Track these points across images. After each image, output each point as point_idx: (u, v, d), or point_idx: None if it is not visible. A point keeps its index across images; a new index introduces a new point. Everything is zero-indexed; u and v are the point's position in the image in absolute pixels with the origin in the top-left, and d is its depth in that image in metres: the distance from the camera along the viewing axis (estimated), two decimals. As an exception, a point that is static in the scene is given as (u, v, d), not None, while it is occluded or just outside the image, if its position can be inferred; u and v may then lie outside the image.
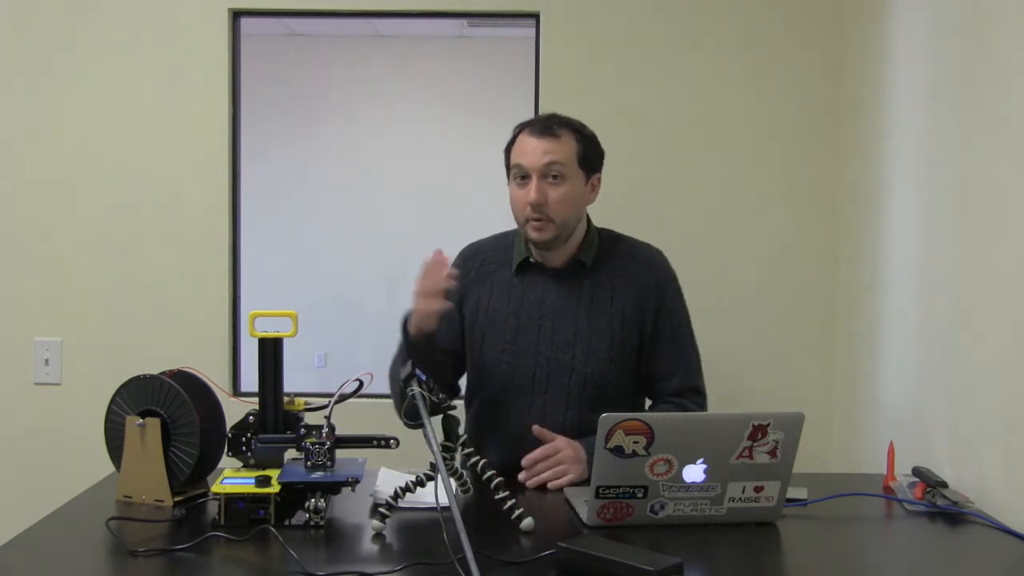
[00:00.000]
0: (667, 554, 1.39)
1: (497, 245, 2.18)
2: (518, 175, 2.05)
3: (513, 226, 2.15)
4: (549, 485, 1.86)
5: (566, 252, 2.10)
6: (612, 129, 2.68)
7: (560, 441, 1.93)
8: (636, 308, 2.08)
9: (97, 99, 2.79)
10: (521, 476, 1.89)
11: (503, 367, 2.07)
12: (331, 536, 1.56)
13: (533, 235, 2.04)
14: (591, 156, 2.09)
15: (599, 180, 2.12)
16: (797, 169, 2.78)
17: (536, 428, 1.95)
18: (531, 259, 2.11)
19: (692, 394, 2.10)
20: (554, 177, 2.02)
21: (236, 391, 2.84)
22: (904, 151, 2.33)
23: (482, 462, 1.62)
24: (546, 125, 2.05)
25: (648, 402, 2.17)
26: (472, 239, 2.24)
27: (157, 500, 1.68)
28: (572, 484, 1.86)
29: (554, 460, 1.90)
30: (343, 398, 1.66)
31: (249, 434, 1.69)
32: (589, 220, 2.15)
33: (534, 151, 2.02)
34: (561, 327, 2.06)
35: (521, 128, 2.09)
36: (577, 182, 2.05)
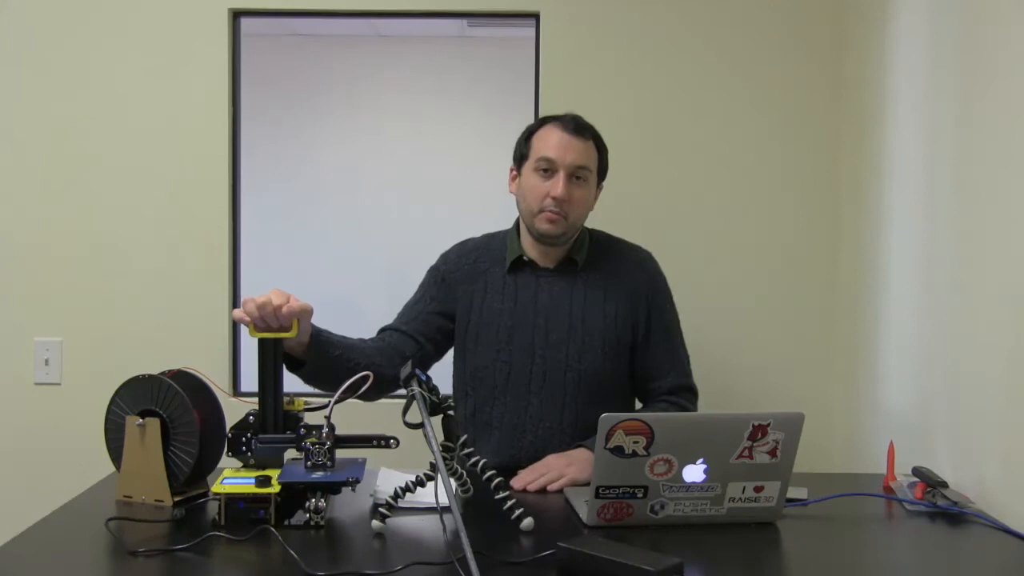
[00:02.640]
0: (667, 554, 1.39)
1: (488, 244, 2.19)
2: (543, 167, 2.04)
3: (505, 225, 2.15)
4: (549, 487, 1.86)
5: (560, 251, 2.10)
6: (612, 129, 2.67)
7: (548, 458, 1.94)
8: (629, 307, 2.08)
9: (97, 99, 2.79)
10: (516, 483, 1.87)
11: (500, 366, 2.07)
12: (331, 536, 1.56)
13: (545, 226, 2.04)
14: (604, 166, 2.13)
15: (600, 191, 2.15)
16: (797, 169, 2.78)
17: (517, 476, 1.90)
18: (524, 257, 2.11)
19: (686, 392, 2.12)
20: (578, 178, 2.04)
21: (236, 391, 2.84)
22: (904, 151, 2.33)
23: (482, 462, 1.62)
24: (579, 125, 2.07)
25: (639, 404, 2.17)
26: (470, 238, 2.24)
27: (157, 500, 1.68)
28: (574, 484, 1.85)
29: (543, 468, 1.90)
30: (343, 398, 1.66)
31: (249, 434, 1.69)
32: None
33: (567, 148, 2.03)
34: (555, 325, 2.07)
35: (547, 120, 2.10)
36: (593, 188, 2.09)
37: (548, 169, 2.04)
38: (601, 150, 2.10)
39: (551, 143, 2.05)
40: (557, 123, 2.07)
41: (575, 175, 2.03)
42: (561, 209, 2.02)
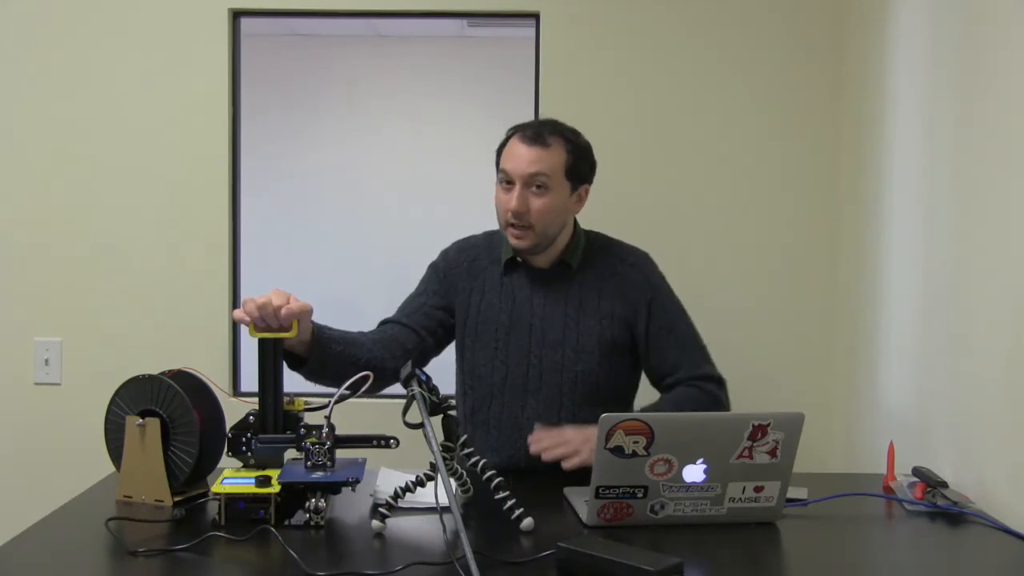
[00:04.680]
0: (667, 554, 1.39)
1: (488, 242, 2.19)
2: (504, 179, 2.04)
3: None
4: (564, 464, 1.84)
5: (551, 254, 2.10)
6: (612, 129, 2.69)
7: (567, 429, 1.92)
8: (625, 308, 2.08)
9: (97, 99, 2.79)
10: (532, 448, 1.88)
11: (497, 365, 2.07)
12: (331, 536, 1.56)
13: (513, 242, 2.05)
14: (580, 167, 2.06)
15: (587, 191, 2.11)
16: (797, 169, 2.78)
17: (537, 429, 1.94)
18: (518, 258, 2.11)
19: (704, 380, 2.08)
20: (538, 187, 2.01)
21: (236, 391, 2.85)
22: (904, 151, 2.33)
23: (482, 462, 1.62)
24: (537, 132, 2.03)
25: (638, 403, 2.16)
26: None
27: (157, 500, 1.68)
28: (583, 466, 1.81)
29: (560, 439, 1.88)
30: (343, 398, 1.66)
31: (249, 434, 1.69)
32: (576, 223, 2.15)
33: (521, 158, 2.01)
34: (551, 326, 2.07)
35: (513, 131, 2.08)
36: (561, 193, 2.04)
37: (508, 181, 2.03)
38: (573, 151, 2.05)
39: (509, 154, 2.04)
40: (519, 133, 2.06)
41: (532, 184, 2.01)
42: (522, 221, 2.01)
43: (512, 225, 2.02)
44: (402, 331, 2.07)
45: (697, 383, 2.07)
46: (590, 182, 2.12)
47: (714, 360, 2.14)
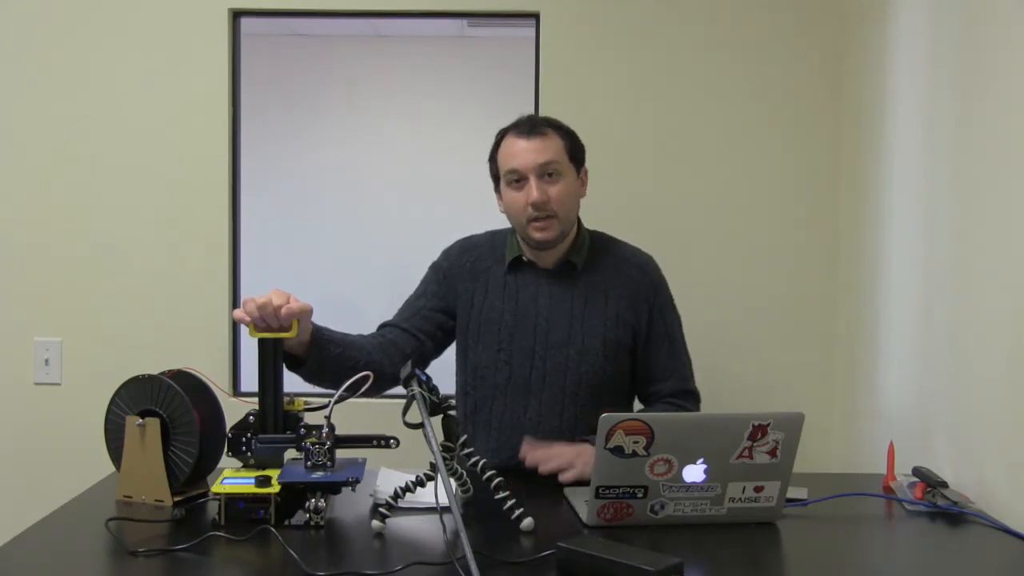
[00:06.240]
0: (667, 554, 1.39)
1: (490, 242, 2.18)
2: (513, 179, 2.04)
3: (507, 224, 2.15)
4: (561, 477, 1.85)
5: (558, 253, 2.10)
6: (611, 129, 2.69)
7: (556, 446, 1.94)
8: (629, 310, 2.08)
9: (97, 99, 2.79)
10: (527, 460, 1.89)
11: (500, 365, 2.07)
12: (331, 536, 1.56)
13: (538, 236, 2.03)
14: (576, 150, 2.10)
15: (586, 174, 2.13)
16: (797, 170, 2.78)
17: (527, 442, 1.95)
18: (524, 258, 2.11)
19: (687, 395, 2.12)
20: (550, 175, 2.02)
21: (236, 391, 2.85)
22: (905, 151, 2.33)
23: (482, 462, 1.62)
24: (531, 125, 2.05)
25: (639, 405, 2.17)
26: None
27: (157, 500, 1.68)
28: (579, 479, 1.83)
29: (553, 453, 1.90)
30: (343, 398, 1.66)
31: (249, 434, 1.69)
32: (580, 222, 2.15)
33: (527, 152, 2.02)
34: (555, 327, 2.06)
35: (505, 132, 2.09)
36: (571, 176, 2.06)
37: (518, 179, 2.03)
38: (566, 137, 2.07)
39: (511, 153, 2.04)
40: (512, 132, 2.07)
41: (545, 173, 2.02)
42: (544, 211, 2.01)
43: (535, 219, 2.02)
44: (401, 335, 2.07)
45: (680, 399, 2.10)
46: (585, 164, 2.12)
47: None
